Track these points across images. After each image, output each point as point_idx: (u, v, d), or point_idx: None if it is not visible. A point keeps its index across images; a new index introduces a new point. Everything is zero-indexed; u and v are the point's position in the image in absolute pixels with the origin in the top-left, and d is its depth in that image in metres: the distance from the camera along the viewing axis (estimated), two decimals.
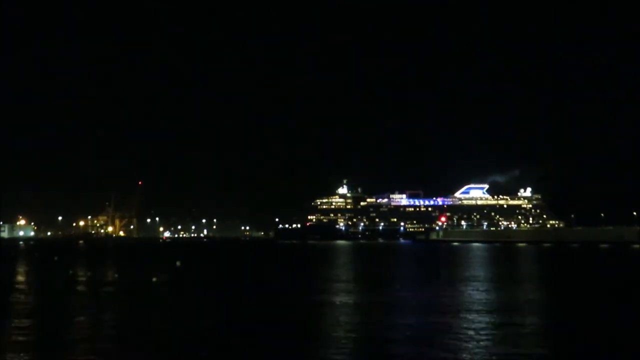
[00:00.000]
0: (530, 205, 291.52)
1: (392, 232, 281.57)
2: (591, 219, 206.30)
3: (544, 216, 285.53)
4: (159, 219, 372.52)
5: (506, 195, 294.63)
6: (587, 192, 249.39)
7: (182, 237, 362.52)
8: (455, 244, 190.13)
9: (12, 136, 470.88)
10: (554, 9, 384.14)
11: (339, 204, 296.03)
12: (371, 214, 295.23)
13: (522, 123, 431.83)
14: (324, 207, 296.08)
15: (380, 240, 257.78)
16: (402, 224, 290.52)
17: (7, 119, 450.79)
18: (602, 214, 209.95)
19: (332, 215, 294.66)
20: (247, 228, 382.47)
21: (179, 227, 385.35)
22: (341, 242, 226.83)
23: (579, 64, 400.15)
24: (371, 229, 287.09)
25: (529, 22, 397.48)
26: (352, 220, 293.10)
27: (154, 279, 46.48)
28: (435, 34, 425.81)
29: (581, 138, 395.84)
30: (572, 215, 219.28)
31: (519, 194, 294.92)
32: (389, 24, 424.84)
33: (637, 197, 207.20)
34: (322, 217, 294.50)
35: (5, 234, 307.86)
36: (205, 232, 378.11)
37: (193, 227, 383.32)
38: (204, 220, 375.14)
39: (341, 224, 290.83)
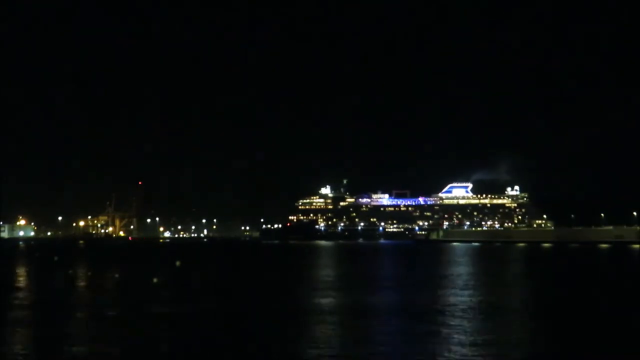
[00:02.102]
0: (515, 205, 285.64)
1: (371, 232, 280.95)
2: (590, 218, 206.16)
3: (529, 215, 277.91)
4: (159, 219, 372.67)
5: (493, 194, 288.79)
6: (584, 192, 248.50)
7: (182, 236, 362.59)
8: (456, 244, 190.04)
9: (12, 136, 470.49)
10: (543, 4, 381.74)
11: (319, 204, 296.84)
12: (351, 214, 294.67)
13: (516, 121, 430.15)
14: (306, 207, 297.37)
15: (361, 240, 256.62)
16: (382, 224, 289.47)
17: (7, 119, 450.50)
18: (602, 214, 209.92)
19: (312, 215, 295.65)
20: (247, 228, 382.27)
21: (179, 227, 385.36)
22: (321, 242, 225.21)
23: (580, 57, 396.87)
24: (350, 229, 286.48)
25: (518, 17, 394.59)
26: (332, 221, 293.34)
27: (155, 280, 46.51)
28: (420, 34, 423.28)
29: (578, 136, 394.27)
30: (572, 215, 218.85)
31: (505, 192, 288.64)
32: (378, 25, 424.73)
33: (637, 197, 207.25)
34: (303, 217, 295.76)
35: (5, 234, 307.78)
36: (205, 232, 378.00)
37: (193, 227, 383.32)
38: (204, 220, 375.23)
39: (321, 224, 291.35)
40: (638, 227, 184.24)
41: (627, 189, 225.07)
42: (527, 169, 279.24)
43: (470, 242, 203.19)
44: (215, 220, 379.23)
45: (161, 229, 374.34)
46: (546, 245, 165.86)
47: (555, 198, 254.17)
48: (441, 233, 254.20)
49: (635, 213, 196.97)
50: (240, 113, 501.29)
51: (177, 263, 68.32)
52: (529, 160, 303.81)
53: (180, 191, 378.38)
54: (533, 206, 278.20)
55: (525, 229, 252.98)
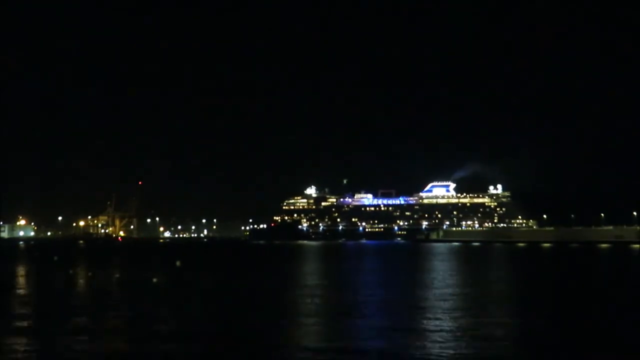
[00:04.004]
0: (495, 204, 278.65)
1: (351, 232, 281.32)
2: (590, 218, 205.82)
3: (511, 215, 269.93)
4: (159, 219, 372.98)
5: (475, 193, 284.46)
6: (584, 192, 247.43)
7: (182, 236, 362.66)
8: (456, 244, 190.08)
9: (12, 136, 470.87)
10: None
11: (301, 204, 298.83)
12: (333, 214, 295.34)
13: (515, 119, 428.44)
14: (290, 207, 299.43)
15: (343, 240, 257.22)
16: (363, 224, 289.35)
17: (7, 119, 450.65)
18: (602, 214, 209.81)
19: (296, 215, 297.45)
20: (247, 228, 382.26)
21: (179, 227, 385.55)
22: (304, 242, 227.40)
23: (578, 54, 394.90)
24: (331, 229, 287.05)
25: (503, 16, 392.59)
26: (314, 221, 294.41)
27: (155, 280, 46.50)
28: (411, 33, 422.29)
29: (576, 135, 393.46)
30: (572, 215, 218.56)
31: (488, 191, 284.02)
32: (370, 23, 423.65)
33: (637, 197, 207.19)
34: (287, 218, 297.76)
35: (5, 234, 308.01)
36: (205, 232, 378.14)
37: (193, 227, 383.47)
38: (204, 220, 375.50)
39: (305, 225, 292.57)
40: (638, 227, 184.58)
41: (627, 189, 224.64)
42: (516, 167, 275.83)
43: (470, 242, 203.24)
44: (215, 220, 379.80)
45: (161, 229, 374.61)
46: (546, 245, 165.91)
47: (552, 197, 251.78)
48: (441, 233, 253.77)
49: (635, 213, 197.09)
50: (238, 113, 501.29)
51: (178, 263, 68.31)
52: (521, 159, 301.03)
53: (180, 191, 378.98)
54: (515, 205, 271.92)
55: (525, 229, 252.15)
